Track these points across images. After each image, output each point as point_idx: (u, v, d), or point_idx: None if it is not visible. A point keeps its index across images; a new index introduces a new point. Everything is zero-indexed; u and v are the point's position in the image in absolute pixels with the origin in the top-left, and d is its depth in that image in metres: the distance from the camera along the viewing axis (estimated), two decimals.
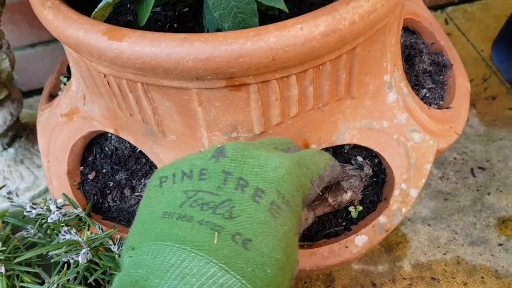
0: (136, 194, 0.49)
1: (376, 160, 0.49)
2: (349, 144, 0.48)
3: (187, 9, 0.45)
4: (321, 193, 0.40)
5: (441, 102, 0.53)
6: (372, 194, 0.49)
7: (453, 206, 0.71)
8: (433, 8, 1.02)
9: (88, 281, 0.47)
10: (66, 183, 0.51)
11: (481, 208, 0.70)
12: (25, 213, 0.48)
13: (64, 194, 0.50)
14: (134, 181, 0.50)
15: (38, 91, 0.96)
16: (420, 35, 0.60)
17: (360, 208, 0.48)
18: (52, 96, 0.60)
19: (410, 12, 0.59)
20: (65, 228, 0.45)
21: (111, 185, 0.51)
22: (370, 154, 0.48)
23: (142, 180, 0.49)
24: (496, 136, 0.78)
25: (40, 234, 0.50)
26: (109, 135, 0.52)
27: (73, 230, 0.45)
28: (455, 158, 0.76)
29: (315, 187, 0.36)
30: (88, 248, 0.45)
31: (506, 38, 0.88)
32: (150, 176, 0.49)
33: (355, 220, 0.48)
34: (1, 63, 0.64)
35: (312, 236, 0.47)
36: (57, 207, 0.48)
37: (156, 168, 0.49)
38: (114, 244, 0.47)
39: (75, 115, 0.51)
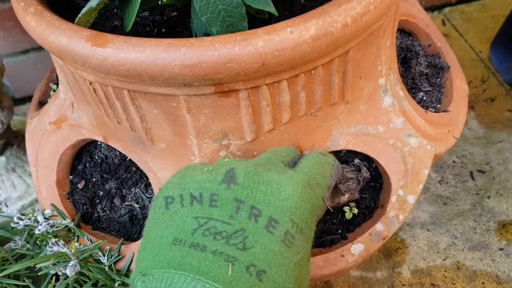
0: (126, 203, 0.48)
1: (374, 164, 0.47)
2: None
3: (175, 13, 0.44)
4: None
5: (438, 106, 0.52)
6: (369, 199, 0.47)
7: (453, 210, 0.69)
8: (429, 9, 1.01)
9: None
10: (55, 193, 0.50)
11: (481, 212, 0.69)
12: (12, 224, 0.47)
13: (52, 205, 0.49)
14: (124, 190, 0.49)
15: (31, 98, 0.95)
16: (416, 37, 0.58)
17: (356, 210, 0.46)
18: (42, 104, 0.59)
19: (406, 13, 0.57)
20: (53, 240, 0.44)
21: (100, 194, 0.49)
22: (368, 158, 0.47)
23: (132, 189, 0.48)
24: (496, 139, 0.77)
25: (28, 246, 0.49)
26: (99, 143, 0.51)
27: (61, 242, 0.44)
28: (454, 162, 0.75)
29: (325, 203, 0.36)
30: (77, 260, 0.44)
31: (505, 39, 0.87)
32: (140, 185, 0.48)
33: (351, 228, 0.46)
34: None
35: None
36: (45, 218, 0.46)
37: (146, 177, 0.48)
38: (104, 256, 0.45)
39: (63, 123, 0.49)
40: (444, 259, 0.64)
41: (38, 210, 0.47)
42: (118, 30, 0.44)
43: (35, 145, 0.52)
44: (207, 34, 0.39)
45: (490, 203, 0.69)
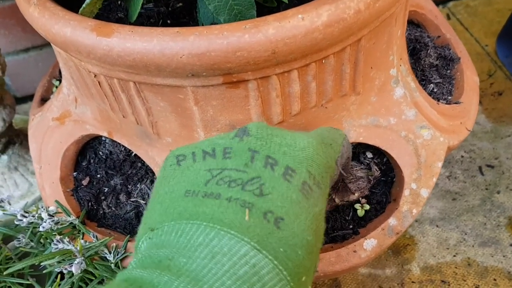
0: (132, 199, 0.47)
1: (385, 158, 0.46)
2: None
3: (180, 4, 0.43)
4: (330, 191, 0.38)
5: (449, 97, 0.51)
6: (380, 194, 0.46)
7: (462, 206, 0.68)
8: (434, 3, 1.00)
9: None
10: (59, 190, 0.49)
11: (491, 207, 0.68)
12: (15, 222, 0.46)
13: (57, 201, 0.48)
14: (129, 186, 0.48)
15: (33, 97, 0.94)
16: (425, 28, 0.57)
17: (367, 207, 0.45)
18: (44, 100, 0.58)
19: (414, 4, 0.56)
20: (58, 237, 0.43)
21: (106, 190, 0.48)
22: (379, 151, 0.46)
23: (138, 185, 0.47)
24: (504, 133, 0.76)
25: (32, 244, 0.48)
26: (103, 138, 0.50)
27: (66, 239, 0.43)
28: (462, 156, 0.74)
29: (339, 167, 0.34)
30: (82, 258, 0.43)
31: (511, 32, 0.86)
32: (146, 181, 0.47)
33: (363, 223, 0.45)
34: None
35: None
36: (49, 215, 0.45)
37: (152, 172, 0.47)
38: (110, 253, 0.44)
39: (66, 119, 0.48)
40: (454, 256, 0.63)
41: (42, 207, 0.46)
42: (122, 22, 0.43)
43: (38, 141, 0.51)
44: (214, 24, 0.38)
45: (500, 198, 0.68)
